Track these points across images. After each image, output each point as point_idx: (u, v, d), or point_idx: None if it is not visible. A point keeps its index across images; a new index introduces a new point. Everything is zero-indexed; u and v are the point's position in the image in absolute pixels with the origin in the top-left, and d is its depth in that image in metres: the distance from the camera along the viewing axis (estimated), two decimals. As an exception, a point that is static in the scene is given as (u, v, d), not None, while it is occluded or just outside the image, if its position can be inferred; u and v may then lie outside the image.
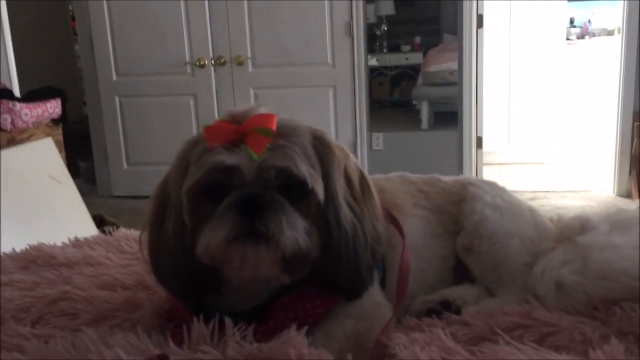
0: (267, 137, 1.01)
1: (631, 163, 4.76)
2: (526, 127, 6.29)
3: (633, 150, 4.68)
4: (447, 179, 1.44)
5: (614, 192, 4.90)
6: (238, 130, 1.03)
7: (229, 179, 1.01)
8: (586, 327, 1.05)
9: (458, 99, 5.13)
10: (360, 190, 1.12)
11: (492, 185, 1.41)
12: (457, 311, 1.18)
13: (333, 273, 1.07)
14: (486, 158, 5.45)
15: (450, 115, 6.27)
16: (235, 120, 1.05)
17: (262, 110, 1.08)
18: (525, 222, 1.31)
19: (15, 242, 2.89)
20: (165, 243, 1.08)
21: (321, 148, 1.07)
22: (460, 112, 5.13)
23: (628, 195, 4.81)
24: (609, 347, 0.96)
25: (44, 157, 4.14)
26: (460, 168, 5.11)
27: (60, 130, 4.68)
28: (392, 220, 1.21)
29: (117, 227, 4.67)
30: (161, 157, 5.35)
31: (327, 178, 1.05)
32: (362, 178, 1.14)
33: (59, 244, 1.62)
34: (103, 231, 4.39)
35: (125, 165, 5.50)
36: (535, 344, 1.01)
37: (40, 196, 3.83)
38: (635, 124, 4.61)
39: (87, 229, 3.95)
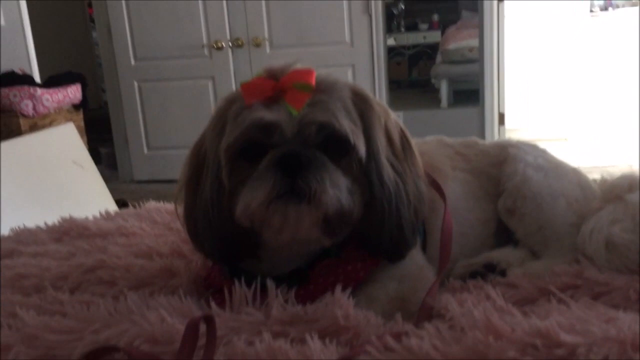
0: (306, 93, 0.98)
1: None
2: (548, 103, 6.19)
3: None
4: (485, 141, 1.41)
5: (637, 164, 4.81)
6: (276, 86, 1.00)
7: (268, 136, 0.98)
8: (641, 284, 1.01)
9: (479, 75, 5.05)
10: (401, 148, 1.08)
11: (533, 146, 1.36)
12: (502, 274, 1.15)
13: (375, 234, 1.04)
14: (507, 135, 5.37)
15: (470, 93, 6.20)
16: (273, 76, 1.02)
17: (300, 65, 1.05)
18: (571, 182, 1.27)
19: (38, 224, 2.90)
20: (201, 206, 1.05)
21: (361, 104, 1.04)
22: (482, 88, 5.05)
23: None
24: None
25: (66, 142, 4.15)
26: (482, 145, 5.04)
27: (81, 116, 4.69)
28: (433, 183, 1.17)
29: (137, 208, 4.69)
30: (181, 141, 5.34)
31: (368, 135, 1.02)
32: (403, 136, 1.10)
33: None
34: (126, 215, 4.40)
35: (145, 150, 5.49)
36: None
37: (63, 181, 3.84)
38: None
39: (110, 213, 3.97)
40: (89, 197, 3.99)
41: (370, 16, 4.96)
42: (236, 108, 1.00)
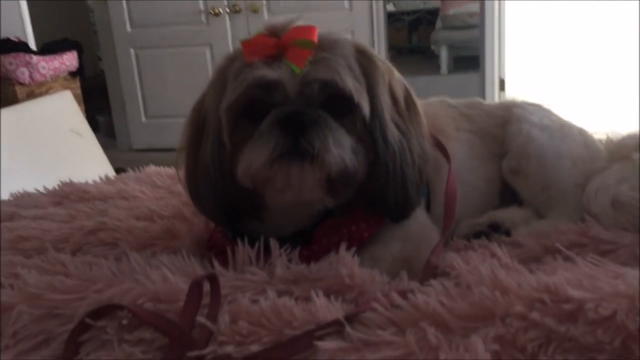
0: (308, 50, 0.96)
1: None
2: (548, 68, 6.13)
3: (662, 88, 4.54)
4: (490, 102, 1.39)
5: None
6: (277, 43, 0.97)
7: (270, 95, 0.96)
8: (647, 242, 1.00)
9: (480, 41, 4.99)
10: (405, 107, 1.07)
11: (538, 106, 1.35)
12: (507, 233, 1.14)
13: (380, 193, 1.02)
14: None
15: (470, 59, 6.14)
16: (274, 33, 1.00)
17: (301, 22, 1.02)
18: (576, 142, 1.26)
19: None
20: (203, 166, 1.03)
21: (365, 61, 1.02)
22: (482, 54, 4.99)
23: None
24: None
25: (64, 110, 4.11)
26: (482, 112, 5.01)
27: (78, 83, 4.64)
28: (437, 143, 1.16)
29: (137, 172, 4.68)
30: (179, 109, 5.26)
31: (372, 93, 1.00)
32: (408, 95, 1.08)
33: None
34: (125, 184, 4.38)
35: (143, 119, 5.46)
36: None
37: (62, 150, 3.82)
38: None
39: (109, 181, 3.96)
40: (87, 165, 3.97)
41: (369, -19, 4.88)
42: (237, 66, 0.98)
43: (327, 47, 0.98)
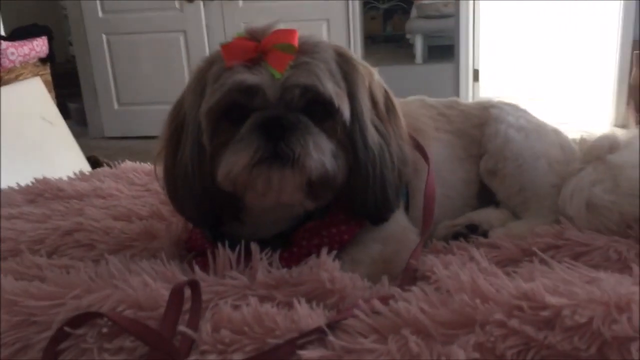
0: (288, 54, 0.95)
1: (629, 92, 4.71)
2: (522, 60, 6.19)
3: (632, 80, 4.62)
4: (467, 102, 1.40)
5: (611, 123, 4.87)
6: (257, 47, 0.96)
7: (250, 99, 0.95)
8: (621, 245, 1.03)
9: (455, 31, 5.01)
10: (385, 110, 1.07)
11: (514, 107, 1.36)
12: (484, 234, 1.16)
13: (359, 197, 1.03)
14: (482, 93, 5.37)
15: (444, 48, 6.17)
16: (254, 37, 0.99)
17: (282, 25, 1.01)
18: (552, 143, 1.27)
19: (8, 183, 2.84)
20: (182, 169, 1.03)
21: (345, 65, 1.02)
22: (457, 44, 5.01)
23: (625, 126, 4.78)
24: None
25: (34, 97, 4.04)
26: (456, 102, 5.03)
27: (48, 70, 4.54)
28: (416, 145, 1.16)
29: (112, 168, 4.62)
30: (153, 97, 5.23)
31: (352, 97, 1.00)
32: (387, 97, 1.08)
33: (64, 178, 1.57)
34: (98, 173, 4.33)
35: (116, 106, 5.38)
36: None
37: (32, 138, 3.75)
38: (635, 52, 4.54)
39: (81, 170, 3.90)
40: (59, 154, 3.91)
41: (344, -31, 4.86)
42: (216, 69, 0.97)
43: (307, 51, 0.97)
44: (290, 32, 0.97)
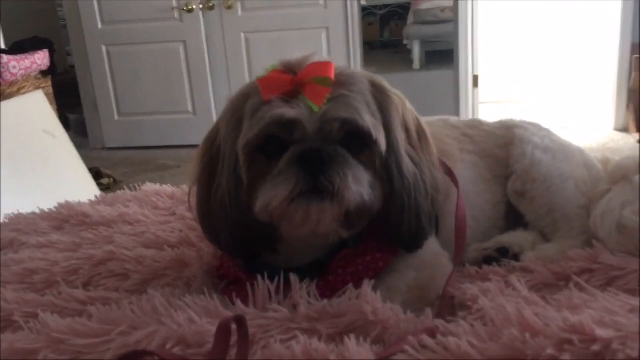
0: (326, 87, 0.96)
1: (629, 96, 4.74)
2: (521, 65, 6.23)
3: (631, 84, 4.65)
4: (489, 121, 1.40)
5: (611, 127, 4.90)
6: (294, 80, 0.97)
7: (288, 132, 0.96)
8: (655, 268, 1.03)
9: (454, 36, 5.02)
10: (417, 137, 1.08)
11: (537, 126, 1.37)
12: (515, 258, 1.16)
13: (395, 225, 1.03)
14: (481, 98, 5.39)
15: (441, 54, 6.19)
16: (290, 69, 0.99)
17: (317, 58, 1.02)
18: (578, 163, 1.28)
19: (13, 198, 2.83)
20: (218, 200, 1.03)
21: (380, 96, 1.02)
22: (456, 50, 5.02)
23: (625, 130, 4.82)
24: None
25: (36, 110, 4.04)
26: (456, 108, 5.05)
27: (49, 82, 4.53)
28: (447, 169, 1.17)
29: (114, 179, 4.61)
30: (153, 107, 5.24)
31: (387, 128, 1.01)
32: (419, 124, 1.09)
33: (84, 200, 1.57)
34: (100, 184, 4.33)
35: (116, 116, 5.37)
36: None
37: (35, 151, 3.75)
38: (634, 56, 4.56)
39: (85, 182, 3.90)
40: (62, 166, 3.91)
41: (343, -24, 4.86)
42: (253, 103, 0.98)
43: (344, 83, 0.98)
44: (326, 65, 0.98)
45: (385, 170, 1.00)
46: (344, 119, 0.95)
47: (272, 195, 0.94)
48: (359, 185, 0.95)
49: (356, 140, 0.97)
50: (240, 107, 1.00)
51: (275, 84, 0.97)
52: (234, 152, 1.00)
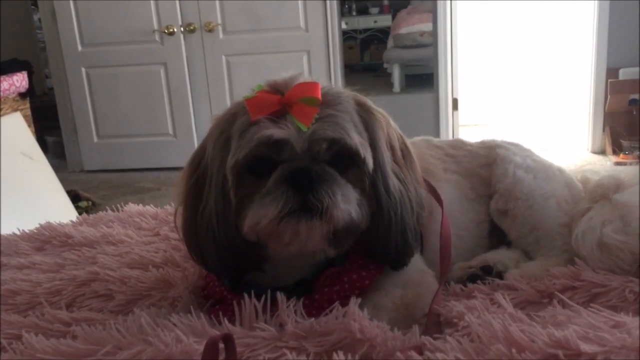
0: (313, 107, 0.97)
1: (605, 119, 4.83)
2: (500, 87, 6.33)
3: (607, 107, 4.74)
4: (472, 142, 1.43)
5: (588, 150, 4.99)
6: (281, 100, 0.98)
7: (277, 152, 0.96)
8: (636, 285, 1.05)
9: (434, 60, 5.10)
10: (401, 155, 1.09)
11: (519, 146, 1.39)
12: (499, 275, 1.18)
13: (382, 242, 1.04)
14: (461, 121, 5.45)
15: (422, 77, 6.26)
16: (277, 90, 1.00)
17: (303, 78, 1.03)
18: (559, 182, 1.31)
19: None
20: (205, 220, 1.02)
21: (365, 115, 1.04)
22: (436, 73, 5.10)
23: (602, 152, 4.90)
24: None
25: (14, 132, 4.00)
26: (436, 130, 5.11)
27: (28, 104, 4.50)
28: (429, 187, 1.18)
29: (93, 202, 4.56)
30: (133, 129, 5.22)
31: (373, 146, 1.02)
32: (403, 142, 1.11)
33: (64, 221, 1.55)
34: (78, 207, 4.29)
35: (95, 139, 5.34)
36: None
37: (13, 174, 3.71)
38: (609, 80, 4.66)
39: (63, 205, 3.86)
40: (40, 188, 3.87)
41: (324, 0, 4.92)
42: (241, 123, 0.98)
43: (330, 102, 0.99)
44: (313, 85, 0.99)
45: (372, 188, 1.01)
46: (333, 139, 0.96)
47: (262, 214, 0.94)
48: (347, 203, 0.96)
49: (343, 159, 0.98)
50: (228, 126, 1.01)
51: (263, 104, 0.98)
52: (222, 172, 1.00)
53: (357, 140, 0.97)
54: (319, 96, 0.98)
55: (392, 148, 1.07)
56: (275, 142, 0.95)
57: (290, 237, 0.95)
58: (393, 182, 1.04)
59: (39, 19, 5.70)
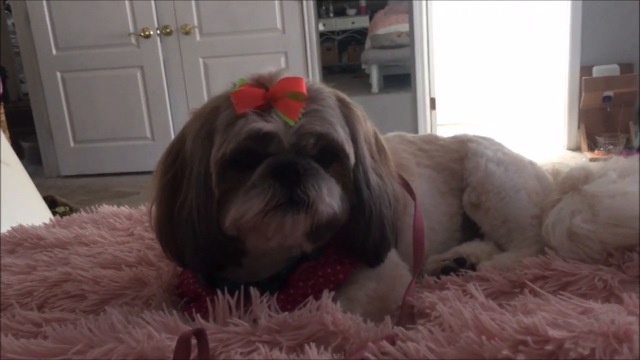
0: (299, 102, 0.97)
1: (579, 116, 4.89)
2: (476, 87, 6.38)
3: (581, 105, 4.80)
4: (444, 136, 1.44)
5: (564, 147, 5.05)
6: (266, 95, 0.98)
7: (264, 146, 0.96)
8: (605, 274, 1.07)
9: (411, 60, 5.13)
10: (377, 150, 1.10)
11: (490, 140, 1.41)
12: (472, 267, 1.19)
13: (361, 237, 1.04)
14: (439, 120, 5.49)
15: (399, 78, 6.29)
16: (261, 84, 1.00)
17: (287, 73, 1.03)
18: (529, 175, 1.32)
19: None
20: (184, 215, 1.01)
21: (346, 110, 1.05)
22: (413, 73, 5.13)
23: (577, 149, 4.96)
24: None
25: (-12, 138, 3.95)
26: (415, 130, 5.14)
27: (2, 110, 4.46)
28: (402, 181, 1.19)
29: (70, 207, 4.53)
30: (110, 133, 5.18)
31: (354, 141, 1.03)
32: (377, 138, 1.11)
33: (38, 224, 1.54)
34: (55, 212, 4.25)
35: (72, 144, 5.29)
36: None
37: (-13, 180, 3.66)
38: (583, 77, 4.73)
39: (39, 211, 3.81)
40: (15, 194, 3.81)
41: (300, 1, 4.92)
42: (226, 116, 0.97)
43: (314, 98, 0.99)
44: (298, 80, 0.99)
45: (353, 182, 1.02)
46: (320, 133, 0.96)
47: (247, 207, 0.94)
48: (331, 197, 0.96)
49: (328, 154, 0.99)
50: (211, 119, 1.00)
51: (248, 98, 0.97)
52: (203, 165, 0.99)
53: (343, 135, 0.98)
54: (305, 91, 0.98)
55: (368, 143, 1.08)
56: (263, 135, 0.95)
57: (274, 230, 0.95)
58: (372, 176, 1.05)
59: (13, 24, 5.64)
